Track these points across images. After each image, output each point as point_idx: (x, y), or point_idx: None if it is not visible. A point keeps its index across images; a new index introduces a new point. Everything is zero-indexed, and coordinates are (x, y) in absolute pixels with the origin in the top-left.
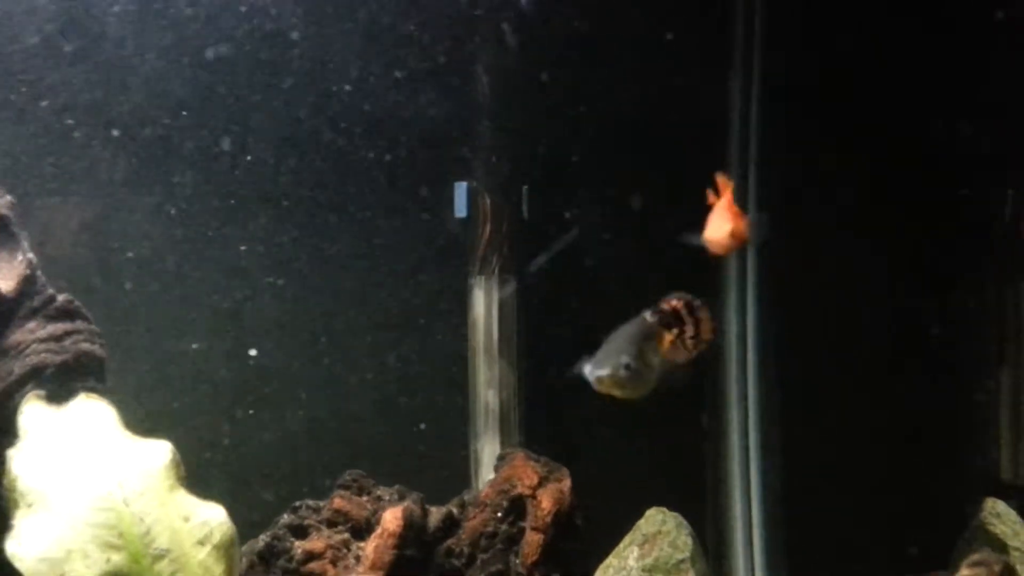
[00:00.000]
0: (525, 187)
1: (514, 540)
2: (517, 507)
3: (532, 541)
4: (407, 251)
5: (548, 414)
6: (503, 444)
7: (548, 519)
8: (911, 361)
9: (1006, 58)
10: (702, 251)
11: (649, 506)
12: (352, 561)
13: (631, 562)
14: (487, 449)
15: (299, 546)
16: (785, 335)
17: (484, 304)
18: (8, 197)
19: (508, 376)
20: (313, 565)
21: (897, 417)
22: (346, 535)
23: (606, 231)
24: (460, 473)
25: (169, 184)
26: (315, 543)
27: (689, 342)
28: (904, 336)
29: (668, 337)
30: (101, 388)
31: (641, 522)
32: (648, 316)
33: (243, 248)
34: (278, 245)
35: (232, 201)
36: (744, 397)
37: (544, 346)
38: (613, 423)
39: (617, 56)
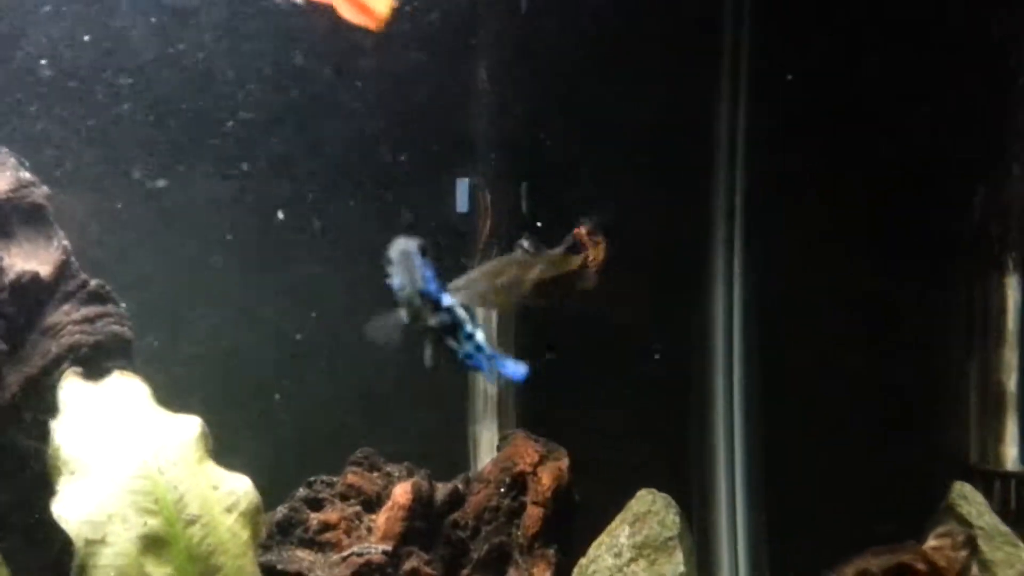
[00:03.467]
0: (524, 183)
1: (516, 514)
2: (518, 483)
3: (533, 514)
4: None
5: (543, 399)
6: (500, 428)
7: (548, 494)
8: (889, 349)
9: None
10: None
11: (639, 487)
12: (364, 532)
13: (622, 540)
14: (485, 433)
15: (314, 517)
16: (767, 323)
17: None
18: (44, 188)
19: None
20: (328, 535)
21: (874, 403)
22: (358, 508)
23: (603, 223)
24: (459, 455)
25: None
26: (330, 515)
27: (591, 265)
28: (881, 324)
29: (576, 260)
30: (129, 366)
31: (632, 502)
32: (525, 244)
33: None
34: (302, 235)
35: (258, 189)
36: (729, 382)
37: (540, 333)
38: (606, 408)
39: (613, 56)
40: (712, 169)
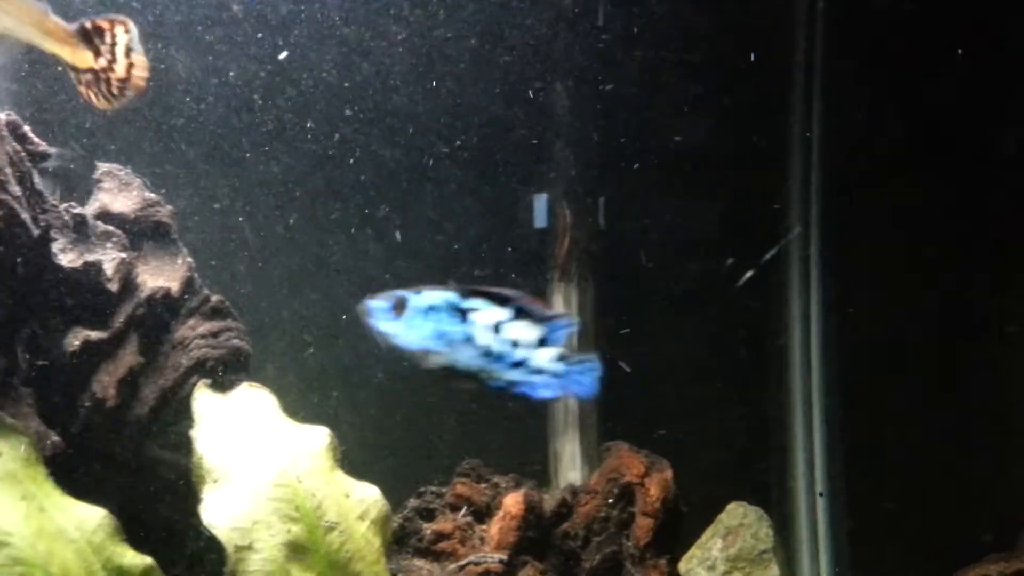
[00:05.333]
0: (601, 199)
1: (625, 524)
2: (626, 494)
3: (644, 525)
4: (489, 257)
5: (625, 414)
6: (582, 443)
7: (657, 505)
8: (976, 354)
9: None
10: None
11: (721, 499)
12: (477, 541)
13: (715, 552)
14: (567, 447)
15: (428, 527)
16: (847, 334)
17: (563, 308)
18: (169, 207)
19: None
20: (443, 544)
21: (962, 411)
22: (469, 518)
23: (676, 240)
24: (540, 470)
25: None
26: (443, 524)
27: (115, 84)
28: (968, 331)
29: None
30: (249, 379)
31: (722, 515)
32: None
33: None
34: (377, 251)
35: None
36: (808, 391)
37: (621, 348)
38: (686, 421)
39: (685, 75)
40: (787, 178)
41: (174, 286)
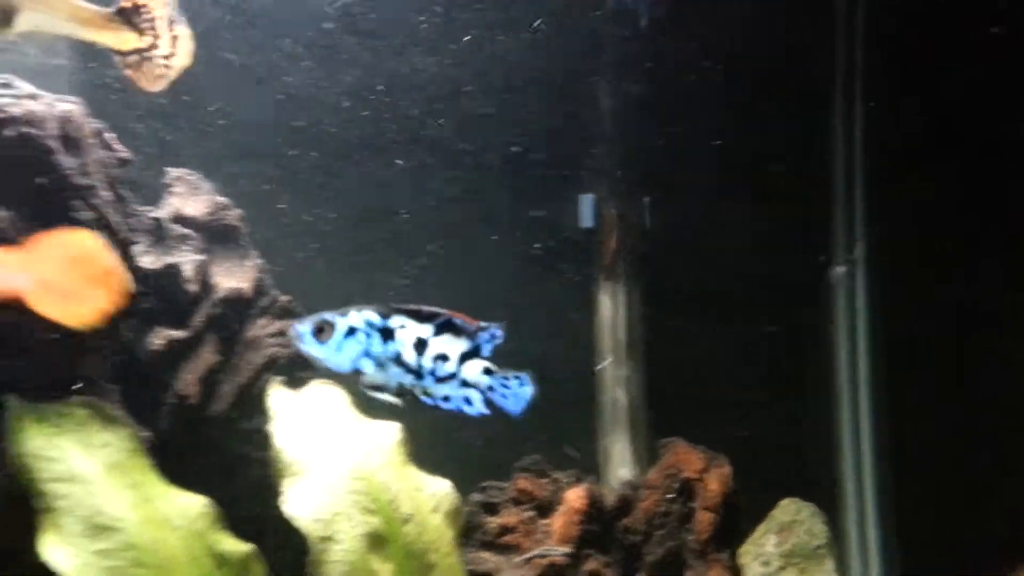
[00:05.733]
0: (647, 199)
1: (686, 519)
2: (686, 490)
3: (704, 519)
4: (536, 257)
5: (674, 412)
6: (632, 441)
7: (718, 500)
8: (1016, 357)
9: None
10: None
11: (770, 494)
12: (541, 535)
13: (769, 548)
14: (616, 445)
15: (492, 521)
16: (894, 330)
17: (611, 308)
18: (238, 210)
19: (636, 375)
20: (508, 537)
21: (1009, 410)
22: (532, 512)
23: (723, 238)
24: (588, 467)
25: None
26: (508, 518)
27: (161, 61)
28: (1011, 333)
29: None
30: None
31: (775, 511)
32: None
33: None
34: (428, 253)
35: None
36: (855, 389)
37: (670, 346)
38: (734, 418)
39: (734, 74)
40: (831, 179)
41: (246, 287)
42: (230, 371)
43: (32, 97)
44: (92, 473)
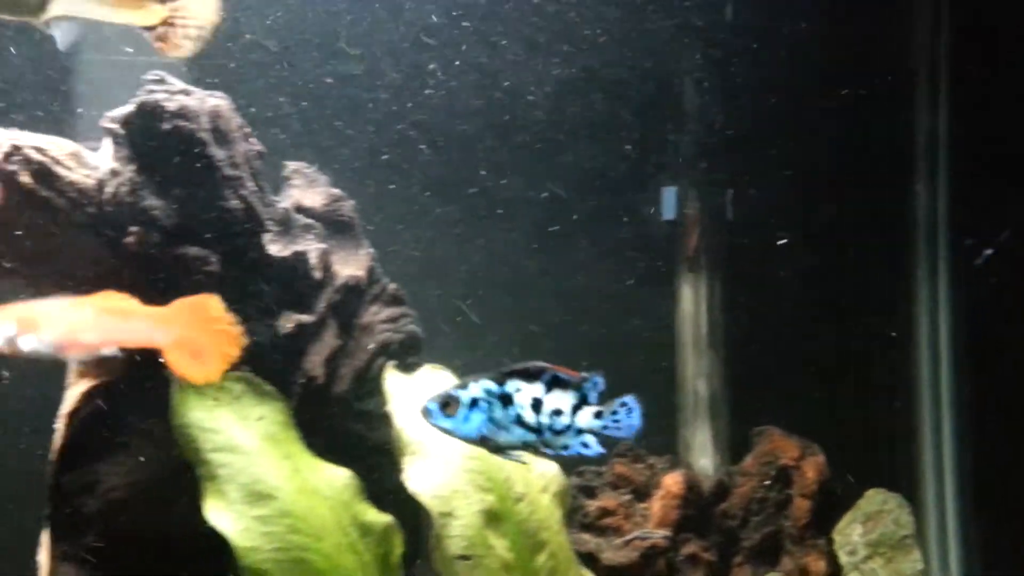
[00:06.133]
0: (730, 191)
1: (782, 505)
2: (782, 477)
3: (802, 506)
4: (618, 251)
5: (755, 403)
6: (713, 431)
7: (814, 487)
8: None
9: None
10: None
11: (850, 487)
12: (640, 518)
13: (855, 538)
14: (697, 435)
15: (591, 504)
16: (976, 322)
17: (692, 300)
18: (351, 201)
19: (717, 367)
20: (608, 520)
21: None
22: (630, 496)
23: (805, 230)
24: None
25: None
26: (608, 501)
27: (187, 27)
28: None
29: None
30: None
31: (861, 502)
32: None
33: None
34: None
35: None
36: (936, 381)
37: (751, 338)
38: (815, 410)
39: (816, 66)
40: (913, 173)
41: (361, 274)
42: (348, 355)
43: (185, 92)
44: (249, 444)
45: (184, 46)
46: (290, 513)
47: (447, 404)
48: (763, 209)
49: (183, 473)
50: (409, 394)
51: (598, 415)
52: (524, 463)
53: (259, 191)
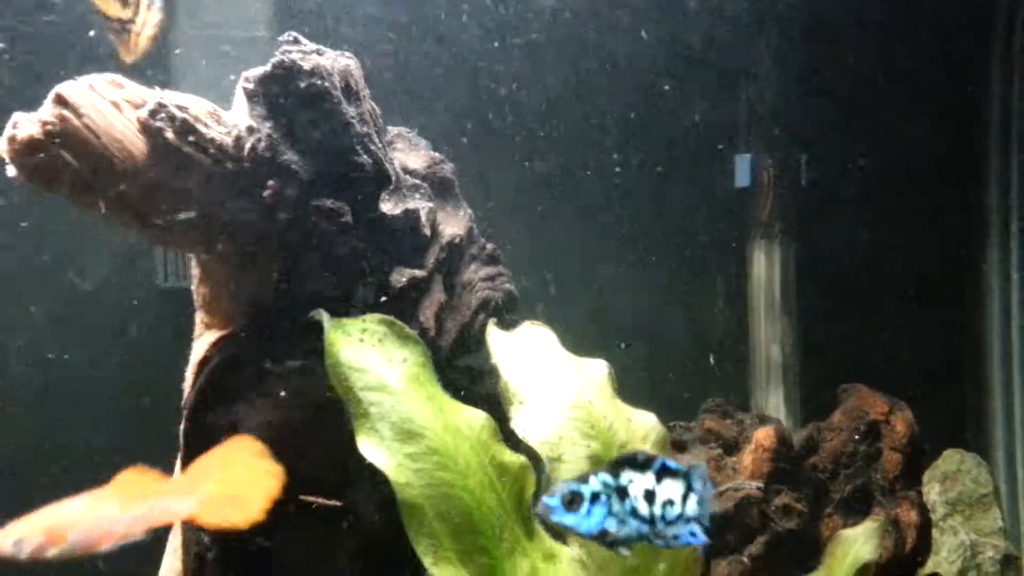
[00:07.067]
0: (804, 157)
1: (872, 459)
2: (872, 431)
3: (892, 459)
4: (689, 218)
5: (827, 367)
6: (786, 396)
7: (904, 440)
8: None
9: None
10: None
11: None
12: (730, 472)
13: (933, 496)
14: (771, 400)
15: (682, 458)
16: None
17: (765, 265)
18: (451, 164)
19: (789, 332)
20: None
21: None
22: (719, 451)
23: (878, 198)
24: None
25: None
26: (698, 455)
27: (134, 37)
28: None
29: None
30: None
31: (939, 461)
32: None
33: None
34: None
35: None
36: (1007, 347)
37: (823, 303)
38: (886, 374)
39: (891, 37)
40: (986, 162)
41: (462, 233)
42: (452, 310)
43: (318, 52)
44: (396, 384)
45: (128, 53)
46: (438, 451)
47: (571, 501)
48: (837, 175)
49: (323, 413)
50: (512, 349)
51: (700, 502)
52: (627, 555)
53: (383, 148)
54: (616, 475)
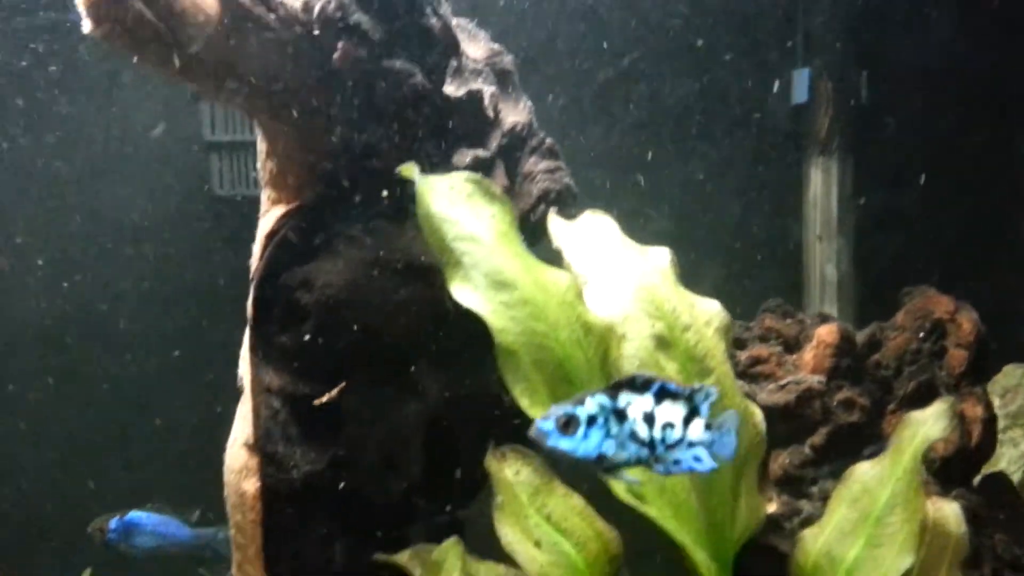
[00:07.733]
0: (864, 72)
1: (937, 356)
2: (936, 329)
3: (958, 356)
4: (744, 137)
5: (884, 284)
6: (841, 315)
7: (971, 338)
8: None
9: None
10: None
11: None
12: (791, 368)
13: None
14: None
15: (741, 354)
16: None
17: (822, 184)
18: (510, 56)
19: (846, 251)
20: (760, 368)
21: None
22: (779, 348)
23: (939, 114)
24: None
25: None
26: (759, 351)
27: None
28: None
29: None
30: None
31: (998, 376)
32: None
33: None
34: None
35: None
36: None
37: (879, 223)
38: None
39: None
40: None
41: (524, 121)
42: (513, 198)
43: None
44: (486, 237)
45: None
46: (529, 302)
47: (567, 424)
48: (899, 91)
49: (397, 274)
50: (575, 236)
51: (708, 427)
52: (634, 481)
53: (449, 17)
54: (613, 397)
